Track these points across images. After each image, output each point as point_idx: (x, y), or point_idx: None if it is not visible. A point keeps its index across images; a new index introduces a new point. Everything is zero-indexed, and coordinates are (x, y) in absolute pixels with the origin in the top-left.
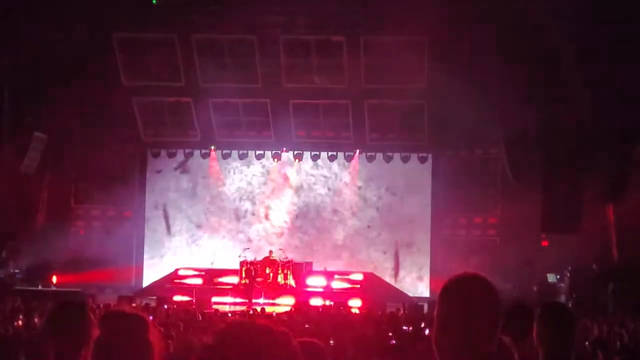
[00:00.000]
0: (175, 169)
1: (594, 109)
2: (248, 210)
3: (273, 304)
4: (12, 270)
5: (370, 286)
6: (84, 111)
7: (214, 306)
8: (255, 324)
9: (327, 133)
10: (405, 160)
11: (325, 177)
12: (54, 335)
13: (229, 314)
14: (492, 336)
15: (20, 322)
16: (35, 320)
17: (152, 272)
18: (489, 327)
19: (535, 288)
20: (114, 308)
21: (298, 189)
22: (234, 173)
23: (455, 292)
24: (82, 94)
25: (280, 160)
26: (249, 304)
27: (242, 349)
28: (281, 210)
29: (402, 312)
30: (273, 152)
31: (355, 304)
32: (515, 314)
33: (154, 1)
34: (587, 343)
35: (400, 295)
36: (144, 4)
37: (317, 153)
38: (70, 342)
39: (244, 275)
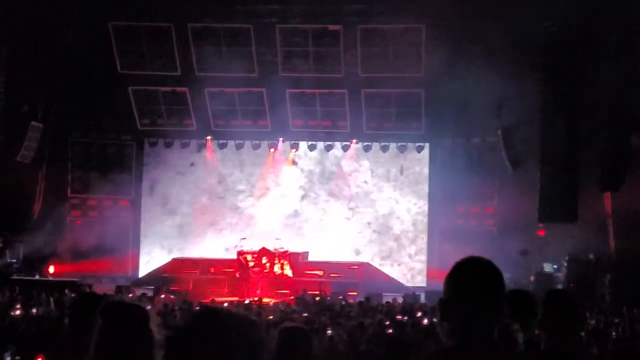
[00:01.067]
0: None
1: (591, 98)
2: (244, 200)
3: (270, 294)
4: (9, 260)
5: (367, 276)
6: (80, 100)
7: (211, 296)
8: (223, 310)
9: (324, 122)
10: (402, 149)
11: (321, 166)
12: (74, 326)
13: (226, 304)
14: (497, 319)
15: (17, 312)
16: (33, 310)
17: (148, 262)
18: (494, 310)
19: (532, 278)
20: (115, 298)
21: (293, 179)
22: (230, 162)
23: (461, 275)
24: (78, 83)
25: (276, 149)
26: (245, 294)
27: (210, 332)
28: (277, 200)
29: (398, 301)
30: (269, 142)
31: (352, 293)
32: (518, 302)
33: None
34: (582, 333)
35: (396, 285)
36: None
37: (314, 143)
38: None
39: (240, 265)
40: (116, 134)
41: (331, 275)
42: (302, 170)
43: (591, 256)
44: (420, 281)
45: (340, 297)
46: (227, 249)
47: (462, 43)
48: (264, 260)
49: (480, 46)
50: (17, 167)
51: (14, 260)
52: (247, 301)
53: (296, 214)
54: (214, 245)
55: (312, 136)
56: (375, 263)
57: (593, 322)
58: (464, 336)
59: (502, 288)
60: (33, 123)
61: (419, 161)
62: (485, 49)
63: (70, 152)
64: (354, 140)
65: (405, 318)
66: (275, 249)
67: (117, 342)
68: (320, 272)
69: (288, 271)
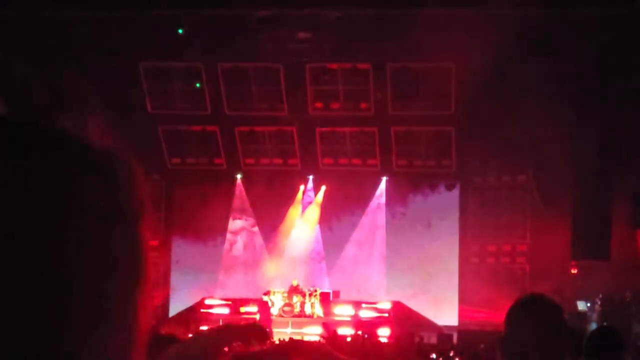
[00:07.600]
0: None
1: (624, 134)
2: (274, 238)
3: (300, 334)
4: None
5: (399, 315)
6: (109, 140)
7: None
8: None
9: (354, 160)
10: (432, 187)
11: (351, 203)
12: None
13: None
14: (556, 357)
15: None
16: None
17: (179, 302)
18: (558, 350)
19: (565, 316)
20: (164, 332)
21: (322, 217)
22: (260, 201)
23: (520, 312)
24: (108, 123)
25: (306, 187)
26: (271, 334)
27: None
28: (306, 239)
29: (431, 341)
30: (299, 180)
31: (383, 333)
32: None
33: (180, 30)
34: None
35: (429, 324)
36: (170, 33)
37: (344, 181)
38: None
39: (270, 305)
40: (146, 173)
41: (362, 314)
42: (331, 208)
43: (628, 294)
44: (451, 320)
45: (371, 336)
46: (257, 289)
47: (492, 80)
48: (295, 300)
49: (510, 84)
50: None
51: None
52: (277, 341)
53: (325, 252)
54: (245, 284)
55: (342, 174)
56: (407, 301)
57: None
58: None
59: (562, 325)
60: None
61: (450, 199)
62: (515, 86)
63: None
64: (385, 178)
65: (440, 359)
66: (307, 288)
67: None
68: (351, 311)
69: (318, 310)
